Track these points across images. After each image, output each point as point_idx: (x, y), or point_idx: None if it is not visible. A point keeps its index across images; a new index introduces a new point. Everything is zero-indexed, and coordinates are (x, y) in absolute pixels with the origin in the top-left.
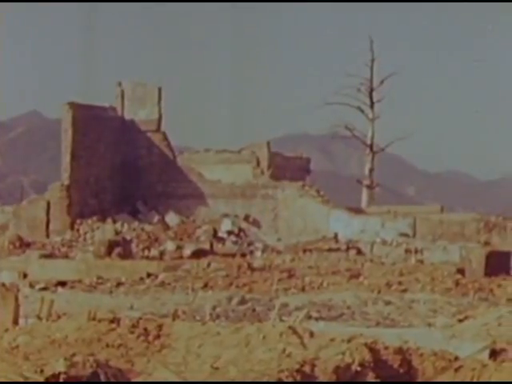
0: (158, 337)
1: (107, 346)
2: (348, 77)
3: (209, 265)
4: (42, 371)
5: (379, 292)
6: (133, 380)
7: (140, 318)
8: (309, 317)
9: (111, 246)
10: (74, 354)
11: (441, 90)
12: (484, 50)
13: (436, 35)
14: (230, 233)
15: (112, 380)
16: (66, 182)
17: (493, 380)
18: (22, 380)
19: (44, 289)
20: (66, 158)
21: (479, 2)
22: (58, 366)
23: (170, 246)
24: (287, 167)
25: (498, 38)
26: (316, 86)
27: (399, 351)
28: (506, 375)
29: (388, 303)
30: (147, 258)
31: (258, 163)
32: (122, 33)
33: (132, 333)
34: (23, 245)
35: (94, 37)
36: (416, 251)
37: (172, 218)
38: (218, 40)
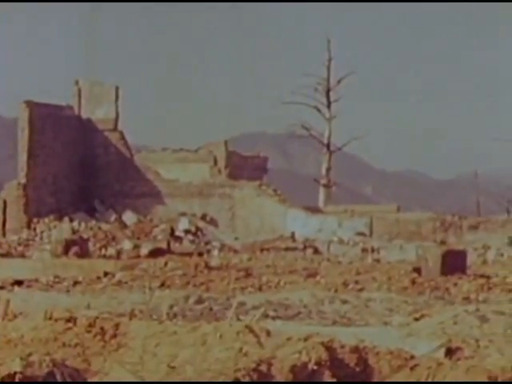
0: (114, 336)
1: (64, 345)
2: (305, 76)
3: (166, 264)
4: None
5: (336, 291)
6: (89, 380)
7: (97, 317)
8: (266, 316)
9: (68, 245)
10: (30, 354)
11: (398, 90)
12: (444, 50)
13: (394, 35)
14: (187, 232)
15: (68, 380)
16: (23, 181)
17: (448, 378)
18: None
19: (0, 288)
20: (22, 157)
21: (437, 3)
22: (14, 366)
23: (127, 244)
24: (244, 166)
25: (460, 37)
26: (273, 86)
27: (355, 350)
28: (461, 373)
29: (345, 302)
30: (104, 256)
31: (216, 162)
32: (80, 31)
33: (89, 332)
34: None
35: (50, 34)
36: (373, 250)
37: (129, 217)
38: (177, 39)
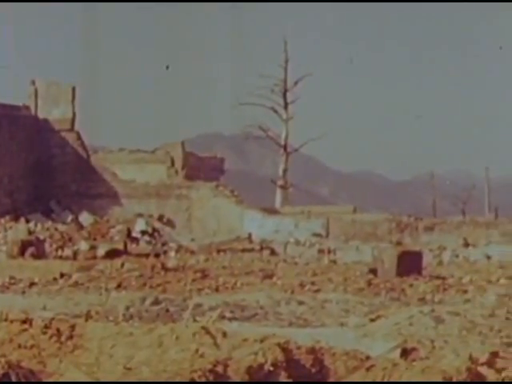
0: (70, 337)
1: (19, 346)
2: (262, 77)
3: (122, 265)
4: None
5: (292, 292)
6: (44, 380)
7: (53, 319)
8: (222, 317)
9: (24, 246)
10: None
11: (354, 91)
12: (405, 51)
13: (349, 35)
14: (143, 233)
15: (23, 381)
16: None
17: (403, 379)
18: None
19: None
20: None
21: (395, 2)
22: None
23: (83, 245)
24: (201, 167)
25: (422, 37)
26: (230, 87)
27: (311, 351)
28: (416, 374)
29: (301, 303)
30: (61, 257)
31: (173, 163)
32: (39, 32)
33: (44, 333)
34: None
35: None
36: (329, 251)
37: (86, 218)
38: (138, 40)
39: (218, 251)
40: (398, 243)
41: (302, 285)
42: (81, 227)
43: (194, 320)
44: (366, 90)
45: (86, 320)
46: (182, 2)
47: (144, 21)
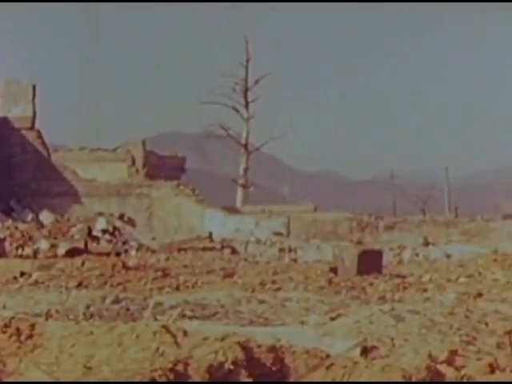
0: (30, 336)
1: None
2: (223, 76)
3: (83, 264)
4: None
5: (253, 291)
6: (4, 380)
7: (12, 318)
8: (183, 316)
9: None
10: None
11: (314, 90)
12: (367, 51)
13: (309, 36)
14: (104, 231)
15: None
16: None
17: (363, 377)
18: None
19: None
20: None
21: (353, 3)
22: None
23: (43, 244)
24: (162, 166)
25: (375, 38)
26: (190, 85)
27: (272, 349)
28: (376, 372)
29: (262, 302)
30: (21, 256)
31: (133, 162)
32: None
33: (4, 332)
34: None
35: None
36: (290, 250)
37: (46, 217)
38: (101, 38)
39: (179, 250)
40: (359, 242)
41: (262, 283)
42: (41, 226)
43: (155, 319)
44: (327, 89)
45: (46, 319)
46: (145, 1)
47: (107, 21)
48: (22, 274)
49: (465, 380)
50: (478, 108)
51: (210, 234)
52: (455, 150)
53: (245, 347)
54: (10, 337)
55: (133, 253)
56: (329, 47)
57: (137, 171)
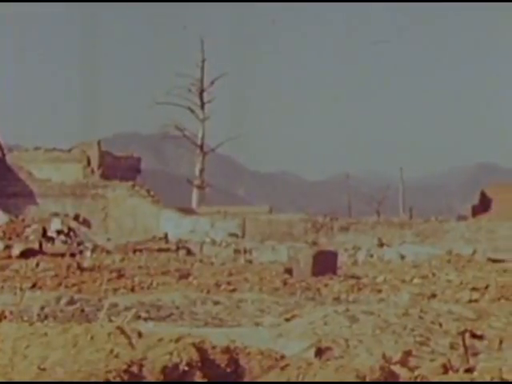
0: None
1: None
2: (179, 77)
3: (37, 264)
4: None
5: (208, 292)
6: None
7: None
8: (137, 317)
9: None
10: None
11: (270, 91)
12: (316, 51)
13: (267, 36)
14: (59, 232)
15: None
16: None
17: (317, 378)
18: None
19: None
20: None
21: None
22: None
23: None
24: (118, 167)
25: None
26: (146, 86)
27: (226, 350)
28: (330, 373)
29: (216, 303)
30: None
31: (89, 162)
32: None
33: None
34: None
35: None
36: (245, 251)
37: (0, 217)
38: (59, 39)
39: (134, 251)
40: (314, 243)
41: (217, 284)
42: None
43: (109, 320)
44: (283, 89)
45: (0, 320)
46: (95, 1)
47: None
48: None
49: (418, 380)
50: (432, 109)
51: (166, 235)
52: (410, 151)
53: (199, 348)
54: None
55: (88, 254)
56: (286, 47)
57: (92, 172)
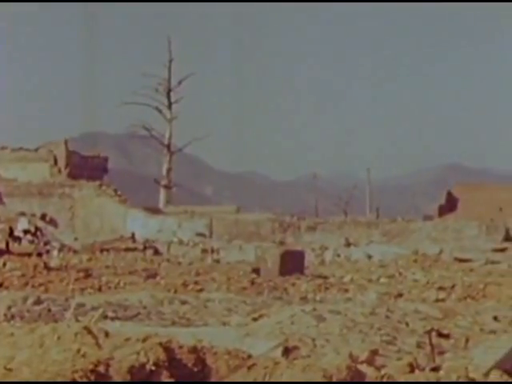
0: None
1: None
2: (146, 77)
3: (4, 264)
4: None
5: (175, 291)
6: None
7: None
8: (105, 317)
9: None
10: None
11: (239, 91)
12: (283, 51)
13: (232, 36)
14: (26, 232)
15: None
16: None
17: (284, 377)
18: None
19: None
20: None
21: (271, 2)
22: None
23: None
24: (85, 166)
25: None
26: (114, 85)
27: (193, 350)
28: (297, 372)
29: (184, 303)
30: None
31: (56, 162)
32: None
33: None
34: None
35: None
36: (212, 251)
37: None
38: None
39: (101, 250)
40: (281, 243)
41: (185, 284)
42: None
43: (76, 320)
44: (251, 89)
45: None
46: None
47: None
48: None
49: (385, 379)
50: (399, 111)
51: (133, 235)
52: (377, 152)
53: (166, 348)
54: None
55: (55, 253)
56: (252, 47)
57: (59, 171)
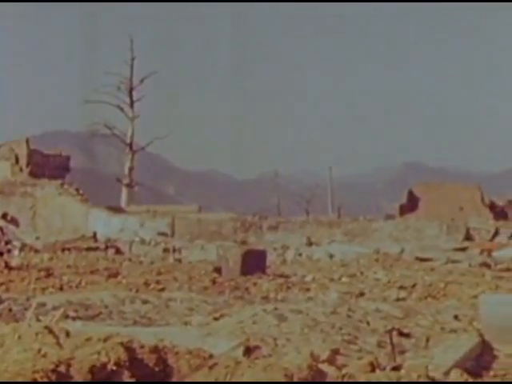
0: None
1: None
2: (108, 75)
3: None
4: None
5: (137, 291)
6: None
7: None
8: (66, 316)
9: None
10: None
11: (201, 90)
12: (247, 50)
13: (194, 35)
14: None
15: None
16: None
17: (245, 377)
18: None
19: None
20: None
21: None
22: None
23: None
24: (46, 165)
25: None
26: (76, 84)
27: (155, 350)
28: (258, 372)
29: (145, 302)
30: None
31: (17, 160)
32: None
33: None
34: None
35: None
36: (174, 250)
37: None
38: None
39: (63, 250)
40: (243, 242)
41: (146, 284)
42: None
43: (37, 319)
44: (213, 88)
45: None
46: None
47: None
48: None
49: (346, 379)
50: (360, 109)
51: (95, 234)
52: (339, 150)
53: (128, 348)
54: None
55: (16, 252)
56: (214, 46)
57: (20, 170)
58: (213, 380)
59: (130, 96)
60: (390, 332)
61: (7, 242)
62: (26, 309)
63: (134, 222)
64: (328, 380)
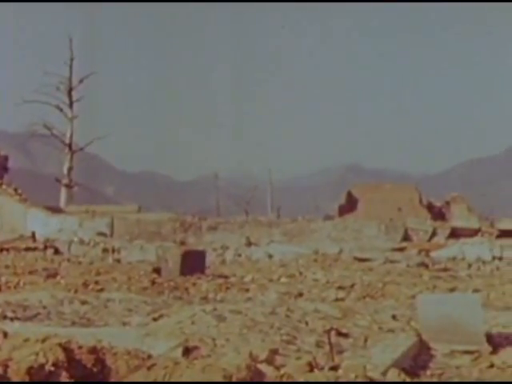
0: None
1: None
2: (47, 75)
3: None
4: None
5: (76, 291)
6: None
7: None
8: (3, 317)
9: None
10: None
11: (141, 91)
12: (195, 48)
13: (137, 35)
14: None
15: None
16: None
17: (184, 377)
18: None
19: None
20: None
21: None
22: None
23: None
24: None
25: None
26: (14, 83)
27: (93, 350)
28: (197, 372)
29: (84, 303)
30: None
31: None
32: None
33: None
34: None
35: None
36: (113, 250)
37: None
38: None
39: (1, 250)
40: (182, 242)
41: (85, 284)
42: None
43: None
44: (154, 88)
45: None
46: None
47: None
48: None
49: (284, 379)
50: (301, 110)
51: (33, 234)
52: (278, 152)
53: (66, 348)
54: None
55: None
56: (158, 44)
57: None
58: (151, 380)
59: (70, 96)
60: (328, 332)
61: None
62: None
63: (72, 222)
64: (266, 380)
